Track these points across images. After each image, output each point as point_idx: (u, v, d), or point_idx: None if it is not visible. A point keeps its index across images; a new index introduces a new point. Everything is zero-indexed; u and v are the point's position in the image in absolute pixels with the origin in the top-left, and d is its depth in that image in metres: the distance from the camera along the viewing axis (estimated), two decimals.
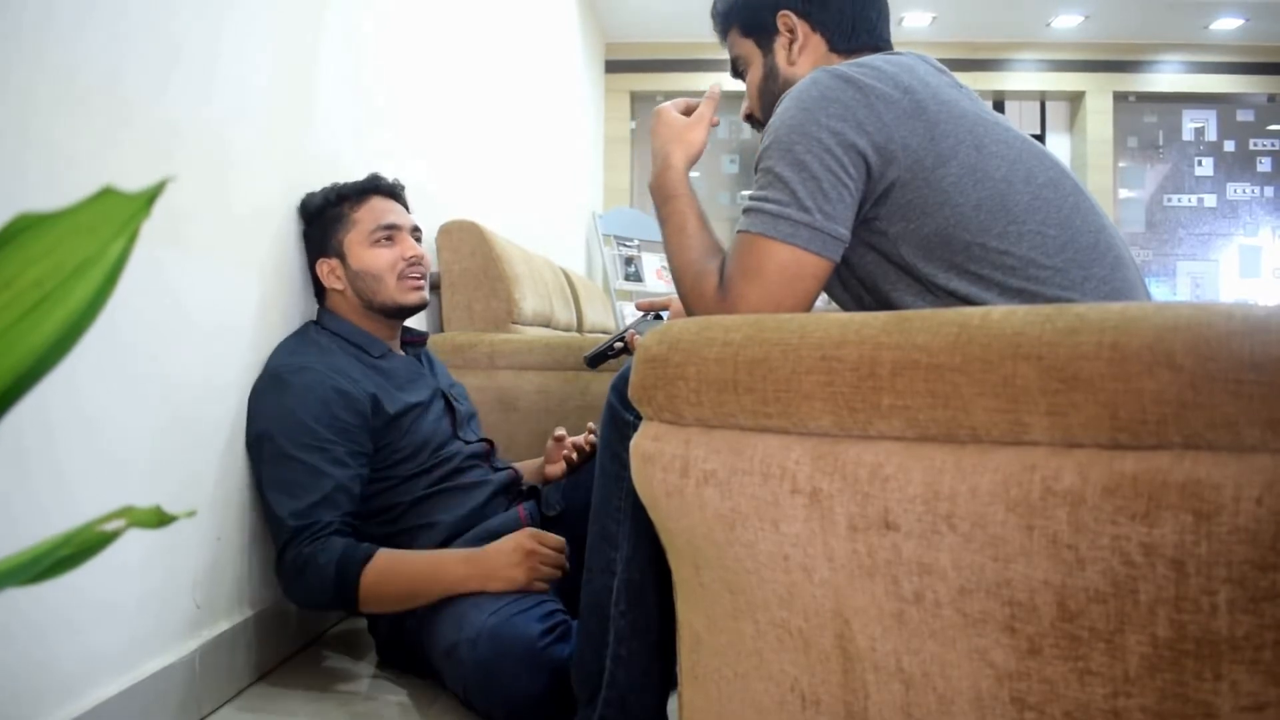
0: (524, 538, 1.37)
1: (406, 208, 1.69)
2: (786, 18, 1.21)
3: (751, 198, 1.05)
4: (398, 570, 1.36)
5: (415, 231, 1.66)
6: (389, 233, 1.60)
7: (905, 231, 1.03)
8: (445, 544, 1.49)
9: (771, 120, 1.07)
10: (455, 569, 1.36)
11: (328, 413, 1.42)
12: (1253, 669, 0.49)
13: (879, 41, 1.22)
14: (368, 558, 1.34)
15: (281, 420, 1.41)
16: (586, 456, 1.67)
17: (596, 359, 1.50)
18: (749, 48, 1.27)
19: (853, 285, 1.12)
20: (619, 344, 1.48)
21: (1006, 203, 1.03)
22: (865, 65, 1.07)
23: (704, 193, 6.09)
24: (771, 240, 1.01)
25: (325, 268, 1.61)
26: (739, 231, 1.05)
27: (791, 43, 1.22)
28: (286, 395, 1.42)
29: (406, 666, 1.49)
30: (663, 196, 1.19)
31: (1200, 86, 5.87)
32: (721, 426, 0.69)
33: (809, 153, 1.01)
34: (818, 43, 1.21)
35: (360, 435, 1.45)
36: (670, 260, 1.15)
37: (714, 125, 1.26)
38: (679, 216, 1.16)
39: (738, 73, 1.31)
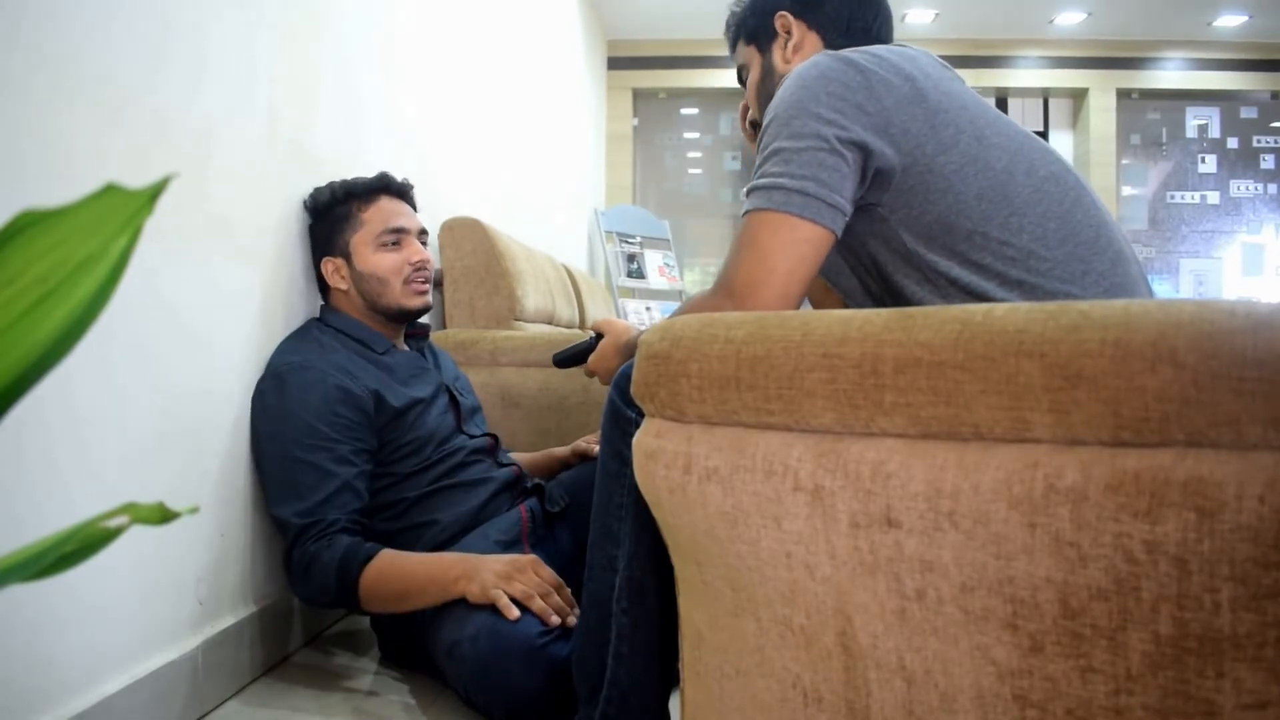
0: (524, 559, 1.32)
1: (415, 207, 1.69)
2: (783, 18, 1.25)
3: (752, 176, 1.06)
4: (395, 571, 1.33)
5: (422, 235, 1.66)
6: (396, 236, 1.60)
7: (907, 218, 1.04)
8: (448, 542, 1.50)
9: (772, 101, 1.08)
10: (450, 568, 1.32)
11: (330, 411, 1.42)
12: (1255, 667, 0.49)
13: (876, 42, 1.23)
14: (369, 557, 1.33)
15: (284, 421, 1.41)
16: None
17: (566, 361, 1.46)
18: (750, 53, 1.30)
19: (860, 271, 1.12)
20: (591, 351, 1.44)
21: (1008, 193, 1.03)
22: (867, 51, 1.08)
23: (705, 190, 6.12)
24: (767, 211, 1.01)
25: (330, 266, 1.61)
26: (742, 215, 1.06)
27: (788, 42, 1.25)
28: (288, 395, 1.42)
29: (409, 664, 1.49)
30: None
31: (1203, 83, 5.86)
32: (724, 424, 0.69)
33: (806, 126, 1.02)
34: (814, 40, 1.25)
35: (363, 432, 1.45)
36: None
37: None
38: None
39: (742, 80, 1.34)
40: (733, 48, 1.35)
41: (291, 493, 1.38)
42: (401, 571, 1.34)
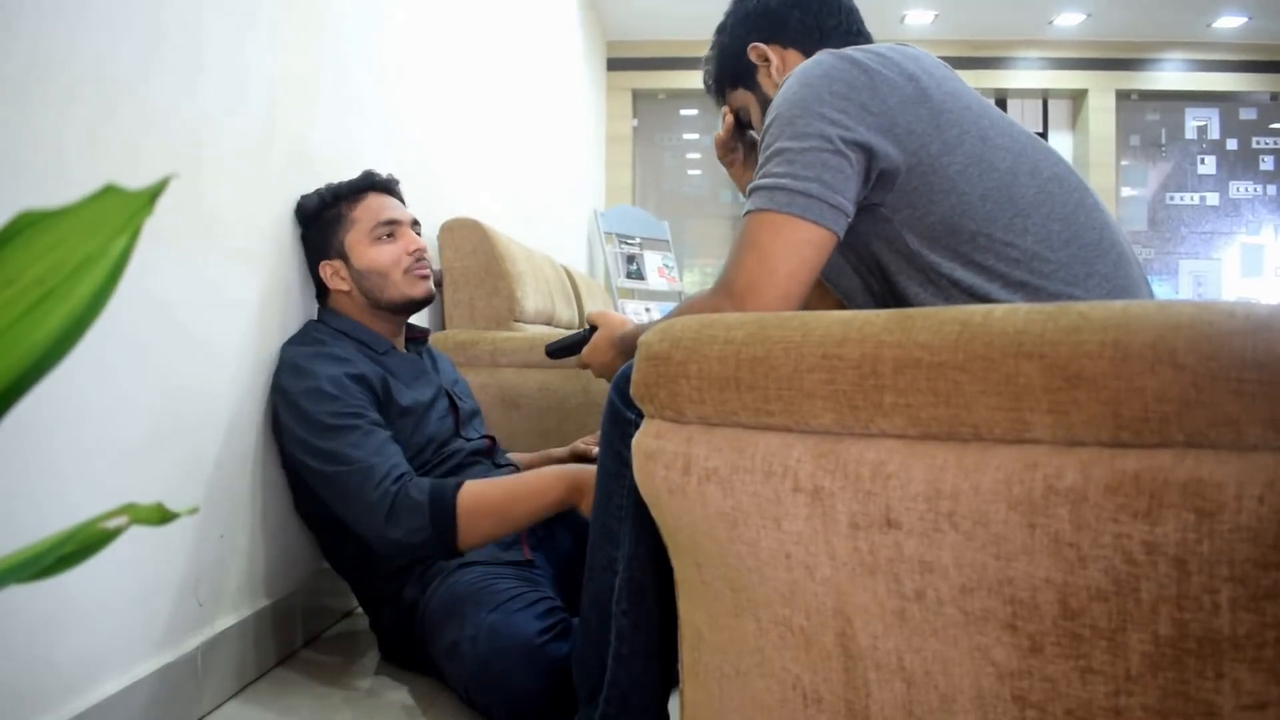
0: None
1: (402, 201, 1.68)
2: (756, 49, 1.25)
3: (754, 176, 1.05)
4: (491, 494, 1.36)
5: (415, 225, 1.65)
6: (390, 229, 1.59)
7: (911, 219, 1.03)
8: None
9: (775, 100, 1.07)
10: (554, 484, 1.37)
11: (347, 390, 1.43)
12: (1254, 667, 0.49)
13: (854, 38, 1.24)
14: (459, 485, 1.35)
15: (310, 398, 1.41)
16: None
17: (559, 352, 1.47)
18: (743, 96, 1.30)
19: (862, 271, 1.12)
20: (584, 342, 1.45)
21: (1012, 194, 1.02)
22: (870, 50, 1.07)
23: (706, 190, 6.12)
24: (769, 212, 1.01)
25: (329, 270, 1.60)
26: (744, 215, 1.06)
27: (771, 68, 1.25)
28: (307, 377, 1.43)
29: (409, 664, 1.49)
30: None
31: (1203, 85, 5.87)
32: (723, 424, 0.69)
33: (810, 126, 1.01)
34: (794, 56, 1.24)
35: (377, 412, 1.46)
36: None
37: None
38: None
39: (742, 125, 1.35)
40: (721, 98, 1.34)
41: (345, 446, 1.37)
42: (498, 492, 1.37)
